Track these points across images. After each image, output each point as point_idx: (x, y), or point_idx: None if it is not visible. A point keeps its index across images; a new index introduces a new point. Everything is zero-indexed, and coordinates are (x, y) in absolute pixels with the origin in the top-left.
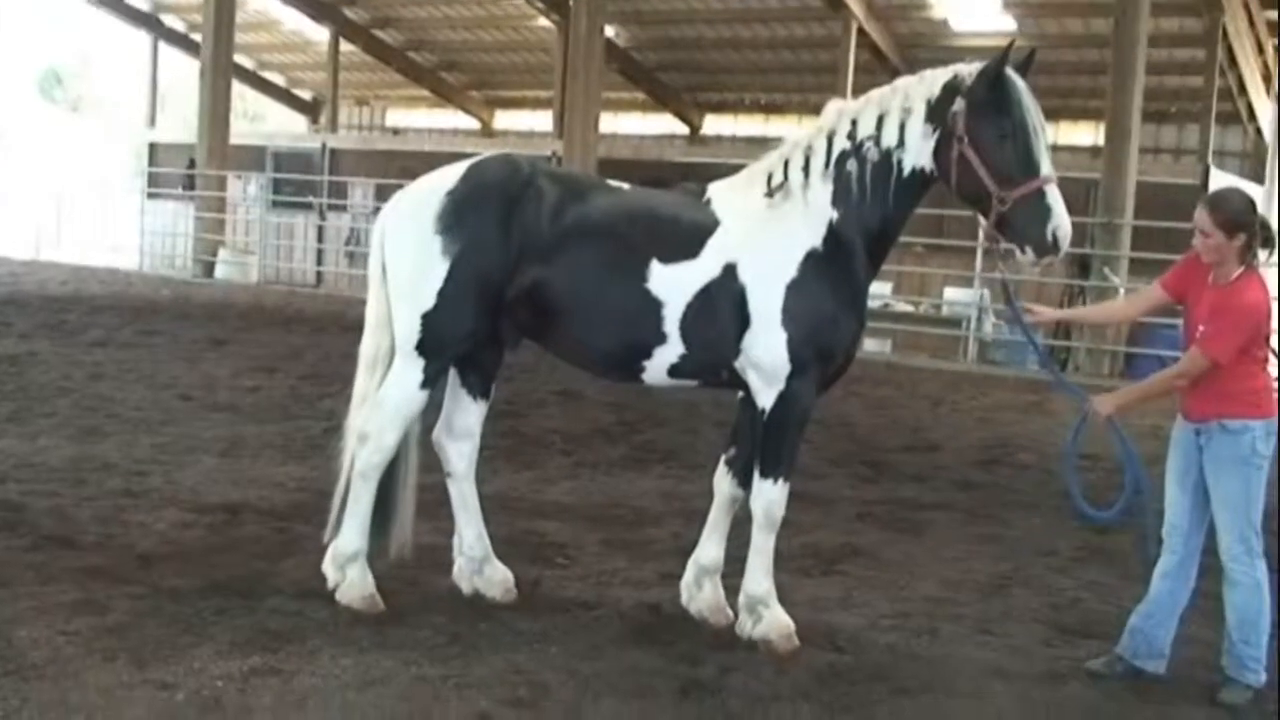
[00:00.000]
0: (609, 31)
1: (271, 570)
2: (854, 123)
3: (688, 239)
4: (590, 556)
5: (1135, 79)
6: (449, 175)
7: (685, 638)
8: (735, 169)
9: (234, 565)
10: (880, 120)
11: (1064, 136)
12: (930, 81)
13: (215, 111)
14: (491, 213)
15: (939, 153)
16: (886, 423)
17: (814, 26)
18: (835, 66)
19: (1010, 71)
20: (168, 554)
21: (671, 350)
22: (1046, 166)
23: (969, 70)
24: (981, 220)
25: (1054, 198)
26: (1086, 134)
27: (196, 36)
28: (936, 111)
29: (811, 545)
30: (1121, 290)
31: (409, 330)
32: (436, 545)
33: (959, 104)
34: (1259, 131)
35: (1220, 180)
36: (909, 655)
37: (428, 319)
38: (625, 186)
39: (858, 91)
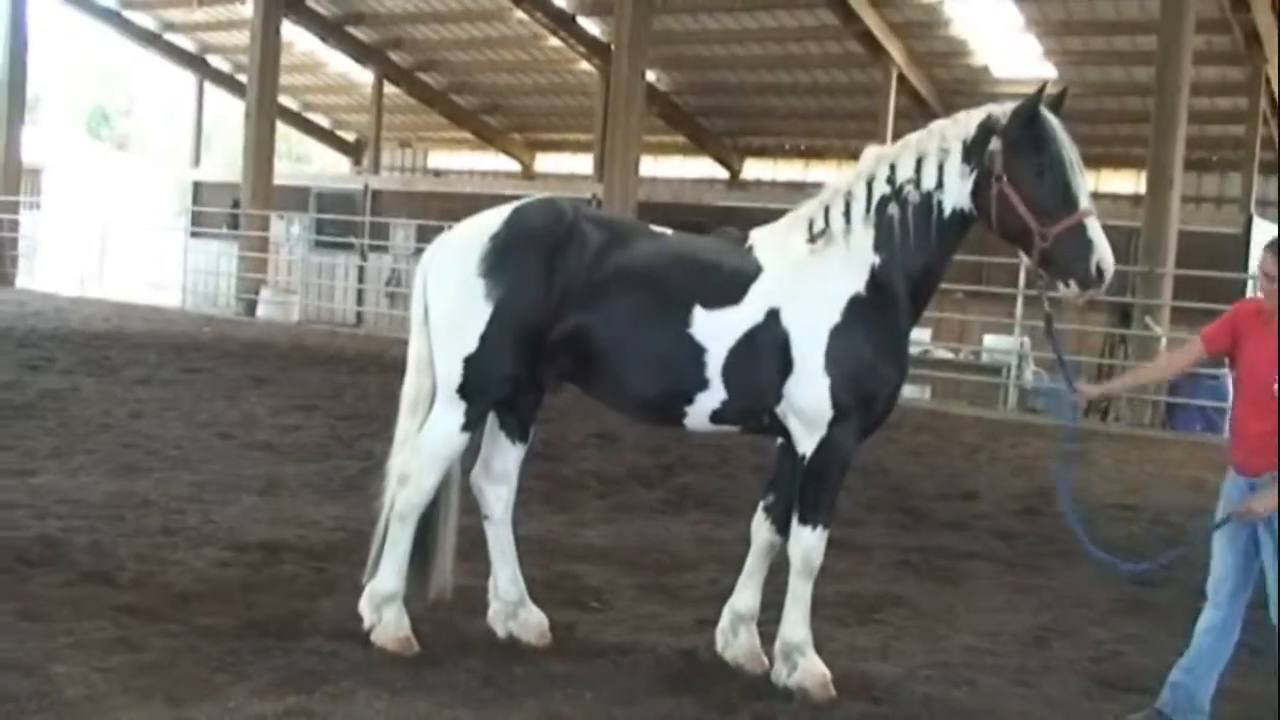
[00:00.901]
0: (650, 76)
1: (308, 610)
2: (892, 167)
3: (731, 285)
4: (626, 601)
5: (1177, 127)
6: (493, 219)
7: (720, 684)
8: (774, 213)
9: (271, 605)
10: (919, 163)
11: (1105, 184)
12: (965, 123)
13: (259, 152)
14: (535, 257)
15: (978, 192)
16: (925, 470)
17: (855, 73)
18: (875, 113)
19: (1044, 109)
20: (205, 592)
21: (714, 396)
22: (1085, 200)
23: (1002, 110)
24: (1024, 258)
25: (1095, 230)
26: (1128, 182)
27: (242, 77)
28: (973, 151)
29: (849, 593)
30: (1164, 340)
31: (451, 373)
32: (472, 587)
33: (995, 143)
34: None
35: (1263, 229)
36: (946, 707)
37: (469, 362)
38: (668, 232)
39: (897, 138)
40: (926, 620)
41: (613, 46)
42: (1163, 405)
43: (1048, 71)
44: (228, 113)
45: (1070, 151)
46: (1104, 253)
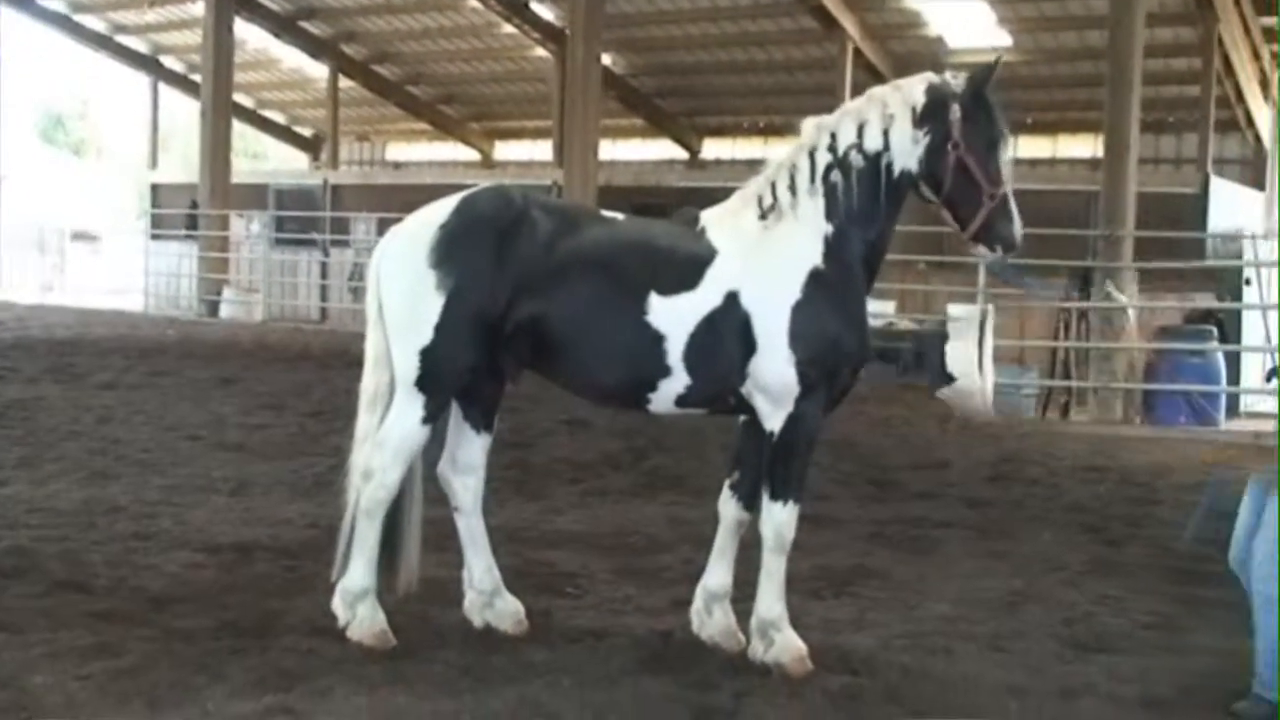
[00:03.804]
0: (606, 59)
1: (284, 609)
2: (833, 135)
3: (686, 270)
4: (601, 585)
5: (1132, 89)
6: (442, 209)
7: (698, 664)
8: (733, 192)
9: (246, 605)
10: (861, 128)
11: (1062, 149)
12: (908, 89)
13: (216, 151)
14: (485, 246)
15: (931, 158)
16: (895, 442)
17: (810, 49)
18: (833, 88)
19: None
20: (179, 595)
21: (677, 382)
22: (1009, 172)
23: (942, 79)
24: (953, 224)
25: (1012, 200)
26: (1085, 147)
27: (196, 77)
28: (926, 118)
29: (822, 567)
30: (1130, 311)
31: (408, 366)
32: (447, 579)
33: (955, 112)
34: (1258, 138)
35: (1220, 188)
36: (923, 675)
37: (426, 354)
38: (620, 217)
39: None
40: (900, 590)
41: (567, 31)
42: (1138, 394)
43: (1002, 39)
44: (183, 113)
45: (1005, 124)
46: (1018, 221)
